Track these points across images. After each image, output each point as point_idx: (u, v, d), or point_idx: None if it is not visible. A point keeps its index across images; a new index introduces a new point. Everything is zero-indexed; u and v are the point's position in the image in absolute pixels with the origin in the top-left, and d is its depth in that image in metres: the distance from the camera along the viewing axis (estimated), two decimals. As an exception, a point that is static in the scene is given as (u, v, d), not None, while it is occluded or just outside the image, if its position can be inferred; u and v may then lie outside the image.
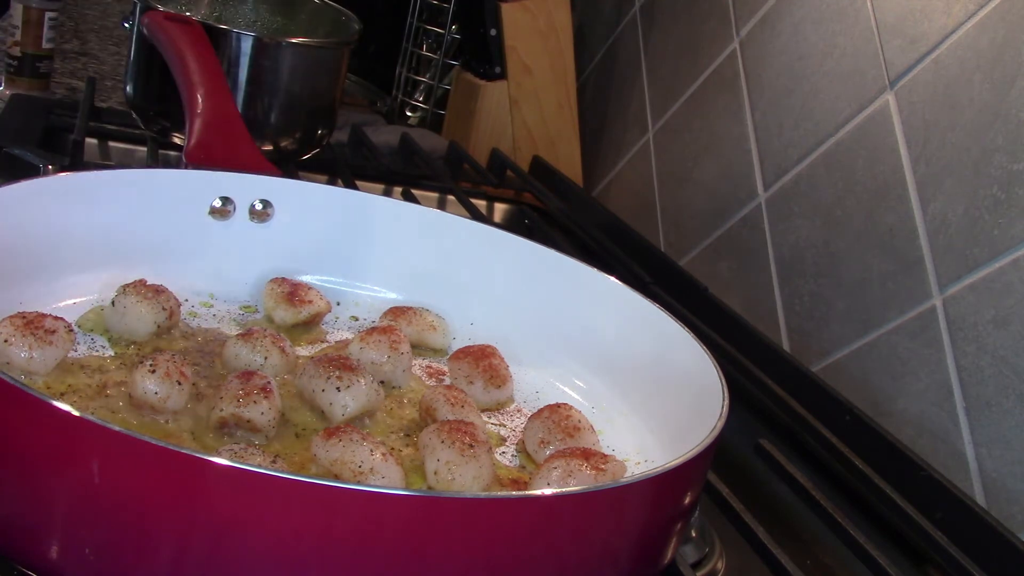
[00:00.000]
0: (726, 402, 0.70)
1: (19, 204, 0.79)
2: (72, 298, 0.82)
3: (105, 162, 1.31)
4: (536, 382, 0.87)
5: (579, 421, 0.77)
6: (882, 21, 1.10)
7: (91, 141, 1.30)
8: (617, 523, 0.60)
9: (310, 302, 0.87)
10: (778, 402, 0.98)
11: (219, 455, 0.54)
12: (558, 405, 0.78)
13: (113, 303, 0.79)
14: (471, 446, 0.68)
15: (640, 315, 0.85)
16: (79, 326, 0.79)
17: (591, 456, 0.69)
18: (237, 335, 0.79)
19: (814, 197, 1.16)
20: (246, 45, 1.18)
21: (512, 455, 0.77)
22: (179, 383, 0.69)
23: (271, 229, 0.92)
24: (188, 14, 1.18)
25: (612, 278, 0.89)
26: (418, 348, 0.88)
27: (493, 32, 1.56)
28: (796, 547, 0.81)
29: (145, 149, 1.28)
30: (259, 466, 0.54)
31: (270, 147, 1.25)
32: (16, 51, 1.43)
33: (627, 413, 0.83)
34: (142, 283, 0.80)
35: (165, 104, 1.18)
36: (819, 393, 1.00)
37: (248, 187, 0.91)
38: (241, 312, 0.88)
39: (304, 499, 0.52)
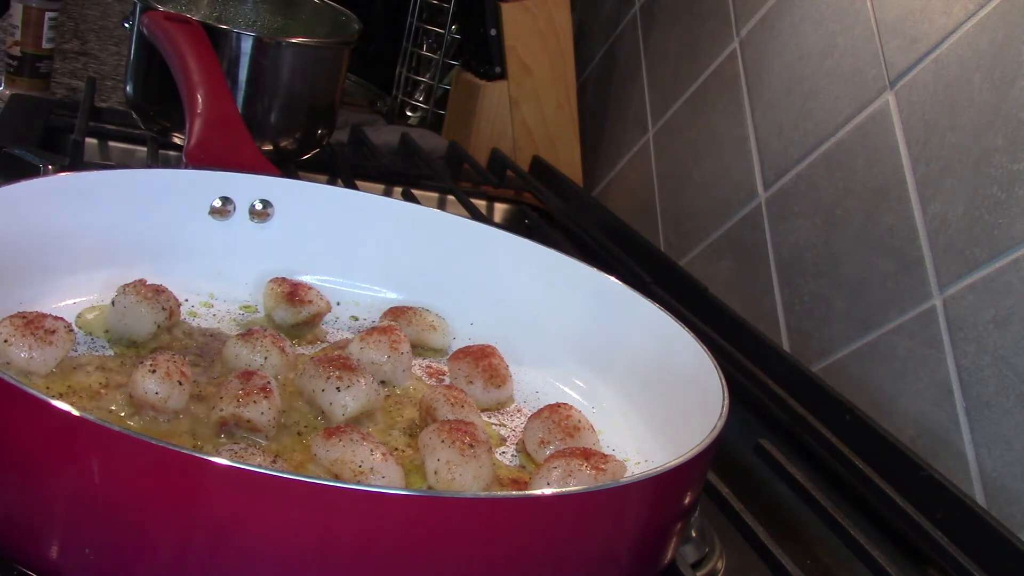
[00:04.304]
0: (726, 402, 0.70)
1: (19, 204, 0.79)
2: (72, 298, 0.82)
3: (105, 162, 1.31)
4: (536, 382, 0.87)
5: (579, 421, 0.77)
6: (882, 21, 1.10)
7: (91, 141, 1.30)
8: (617, 523, 0.60)
9: (310, 302, 0.87)
10: (778, 402, 0.98)
11: (219, 455, 0.54)
12: (558, 405, 0.78)
13: (113, 303, 0.79)
14: (471, 446, 0.68)
15: (640, 315, 0.85)
16: (79, 326, 0.78)
17: (591, 456, 0.69)
18: (237, 335, 0.78)
19: (814, 197, 1.16)
20: (246, 45, 1.19)
21: (512, 455, 0.77)
22: (179, 383, 0.69)
23: (271, 229, 0.92)
24: (188, 14, 1.18)
25: (612, 278, 0.89)
26: (418, 348, 0.88)
27: (493, 32, 1.56)
28: (796, 547, 0.81)
29: (145, 149, 1.28)
30: (259, 466, 0.54)
31: (270, 147, 1.25)
32: (16, 51, 1.43)
33: (627, 413, 0.83)
34: (142, 283, 0.80)
35: (165, 104, 1.18)
36: (819, 393, 1.00)
37: (248, 187, 0.91)
38: (241, 312, 0.88)
39: (304, 499, 0.52)
